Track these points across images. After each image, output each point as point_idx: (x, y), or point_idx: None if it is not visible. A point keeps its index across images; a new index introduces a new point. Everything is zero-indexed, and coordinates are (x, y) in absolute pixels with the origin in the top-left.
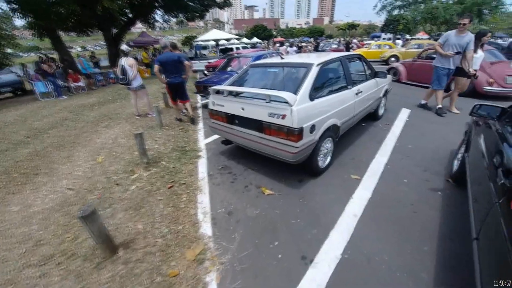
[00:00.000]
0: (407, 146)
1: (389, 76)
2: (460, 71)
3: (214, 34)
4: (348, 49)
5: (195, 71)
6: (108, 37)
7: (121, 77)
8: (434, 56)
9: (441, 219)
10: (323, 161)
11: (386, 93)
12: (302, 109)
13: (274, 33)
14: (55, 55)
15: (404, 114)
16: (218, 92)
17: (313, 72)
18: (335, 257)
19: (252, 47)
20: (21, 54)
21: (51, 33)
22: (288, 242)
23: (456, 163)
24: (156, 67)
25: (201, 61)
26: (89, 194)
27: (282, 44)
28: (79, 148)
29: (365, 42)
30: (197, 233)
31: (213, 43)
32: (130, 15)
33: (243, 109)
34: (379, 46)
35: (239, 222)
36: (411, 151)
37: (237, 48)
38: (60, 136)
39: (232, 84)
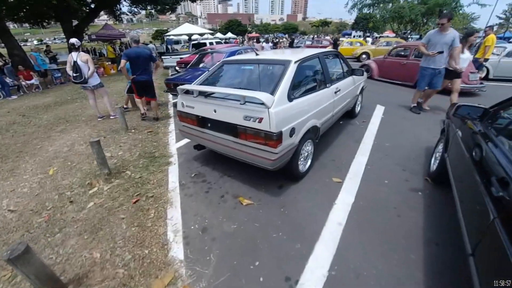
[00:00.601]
0: (384, 145)
1: (365, 74)
2: (452, 73)
3: (186, 28)
4: (336, 46)
5: (166, 67)
6: (67, 29)
7: (74, 75)
8: (403, 53)
9: (424, 223)
10: (303, 164)
11: (362, 90)
12: (280, 111)
13: (249, 28)
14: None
15: (379, 111)
16: (187, 92)
17: (291, 69)
18: (322, 276)
19: (225, 43)
20: None
21: None
22: (270, 261)
23: (433, 162)
24: (123, 62)
25: (172, 57)
26: (35, 216)
27: (258, 40)
28: (27, 158)
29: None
30: (167, 257)
31: (186, 37)
32: (93, 6)
33: (215, 111)
34: (351, 43)
35: (215, 240)
36: (389, 150)
37: (211, 43)
38: (4, 144)
39: (203, 83)
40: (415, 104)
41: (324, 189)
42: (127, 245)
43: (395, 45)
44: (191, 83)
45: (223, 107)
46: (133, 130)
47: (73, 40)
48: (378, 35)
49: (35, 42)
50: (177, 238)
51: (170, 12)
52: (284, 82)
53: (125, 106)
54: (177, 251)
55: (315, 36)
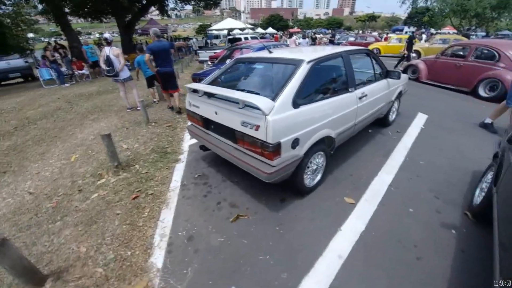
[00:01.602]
0: (418, 163)
1: (404, 76)
2: None
3: (228, 23)
4: (410, 44)
5: (201, 62)
6: (121, 24)
7: (107, 68)
8: (461, 53)
9: (452, 273)
10: (311, 178)
11: (400, 95)
12: (280, 119)
13: (290, 23)
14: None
15: (420, 120)
16: (195, 90)
17: (302, 71)
18: None
19: (261, 38)
20: (42, 39)
21: (60, 18)
22: None
23: (478, 194)
24: (147, 56)
25: (207, 51)
26: (46, 201)
27: (291, 35)
28: (58, 143)
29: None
30: (146, 262)
31: (225, 32)
32: (144, 2)
33: (216, 113)
34: (400, 40)
35: (197, 253)
36: (423, 169)
37: (246, 38)
38: (46, 128)
39: (213, 81)
40: (491, 121)
41: (332, 209)
42: (114, 243)
43: (451, 43)
44: None
45: (223, 109)
46: (153, 123)
47: (106, 35)
48: (434, 31)
49: (97, 35)
50: (161, 243)
51: (213, 7)
52: (290, 85)
53: (154, 100)
54: (158, 258)
55: (360, 31)
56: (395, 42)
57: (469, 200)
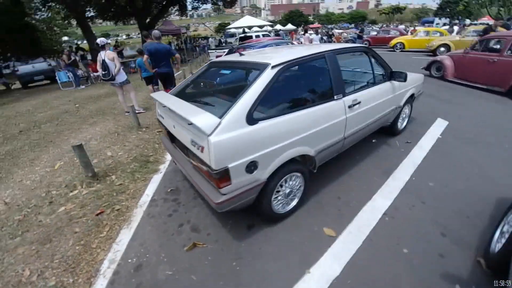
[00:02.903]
0: (427, 184)
1: (418, 76)
2: None
3: (246, 21)
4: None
5: None
6: (142, 25)
7: (103, 72)
8: (495, 46)
9: None
10: (285, 203)
11: (411, 99)
12: (228, 140)
13: (311, 18)
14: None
15: (437, 128)
16: None
17: (264, 78)
18: None
19: (276, 35)
20: (75, 41)
21: (81, 22)
22: None
23: (498, 238)
24: (145, 57)
25: (217, 51)
26: (16, 213)
27: (305, 31)
28: (51, 149)
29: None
30: None
31: (241, 30)
32: (164, 2)
33: (174, 127)
34: (428, 33)
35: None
36: (431, 194)
37: (257, 36)
38: (46, 132)
39: (182, 89)
40: None
41: (306, 243)
42: (60, 267)
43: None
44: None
45: (178, 124)
46: (144, 129)
47: (98, 40)
48: (469, 23)
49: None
50: (108, 271)
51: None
52: (245, 97)
53: None
54: None
55: (384, 25)
56: (422, 35)
57: (486, 243)
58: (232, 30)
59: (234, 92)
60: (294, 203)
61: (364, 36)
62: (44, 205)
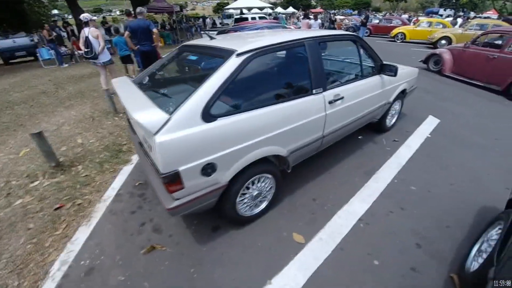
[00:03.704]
0: (409, 188)
1: (411, 70)
2: None
3: (245, 1)
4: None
5: None
6: (135, 1)
7: (85, 50)
8: (496, 42)
9: None
10: (252, 205)
11: (403, 95)
12: (178, 139)
13: (313, 2)
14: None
15: (428, 126)
16: None
17: (227, 68)
18: None
19: (275, 18)
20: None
21: None
22: None
23: (475, 255)
24: (126, 33)
25: (210, 32)
26: None
27: (306, 16)
28: (20, 133)
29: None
30: None
31: (239, 11)
32: None
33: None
34: (430, 24)
35: None
36: (412, 199)
37: (253, 18)
38: (19, 114)
39: (150, 75)
40: None
41: (271, 250)
42: (6, 268)
43: (486, 30)
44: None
45: None
46: (121, 115)
47: (81, 16)
48: (473, 15)
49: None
50: (57, 274)
51: None
52: (201, 90)
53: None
54: None
55: (388, 13)
56: (424, 26)
57: (462, 259)
58: (230, 11)
59: (194, 83)
60: (263, 205)
61: (367, 24)
62: (1, 197)
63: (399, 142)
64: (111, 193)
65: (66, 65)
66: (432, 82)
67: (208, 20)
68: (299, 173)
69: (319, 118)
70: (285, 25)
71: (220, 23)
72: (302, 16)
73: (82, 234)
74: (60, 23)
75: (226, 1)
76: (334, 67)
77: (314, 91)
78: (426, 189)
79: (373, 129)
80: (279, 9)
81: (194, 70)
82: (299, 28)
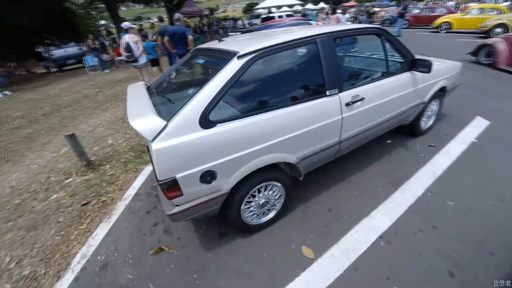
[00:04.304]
0: (444, 202)
1: (452, 65)
2: None
3: (273, 0)
4: None
5: None
6: (169, 7)
7: (126, 54)
8: None
9: None
10: (260, 214)
11: (442, 93)
12: (174, 146)
13: None
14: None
15: (474, 130)
16: None
17: (226, 72)
18: None
19: (303, 16)
20: (111, 25)
21: (110, 6)
22: None
23: None
24: (166, 38)
25: (236, 33)
26: (16, 197)
27: (334, 11)
28: (62, 134)
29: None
30: (51, 287)
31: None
32: None
33: None
34: (482, 11)
35: None
36: (447, 217)
37: (280, 17)
38: (64, 116)
39: (163, 80)
40: None
41: (277, 263)
42: (37, 256)
43: None
44: None
45: None
46: None
47: (123, 24)
48: None
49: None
50: (77, 266)
51: None
52: (200, 95)
53: None
54: (62, 285)
55: (430, 2)
56: (474, 13)
57: None
58: (260, 11)
59: (196, 88)
60: (271, 215)
61: (406, 15)
62: (41, 191)
63: (436, 147)
64: (131, 192)
65: (107, 70)
66: (482, 77)
67: (240, 21)
68: (314, 180)
69: (334, 122)
70: (313, 22)
71: (248, 24)
72: (331, 12)
73: (102, 230)
74: (103, 33)
75: (255, 1)
76: (354, 65)
77: (327, 93)
78: (467, 205)
79: (405, 133)
80: (309, 6)
81: (200, 74)
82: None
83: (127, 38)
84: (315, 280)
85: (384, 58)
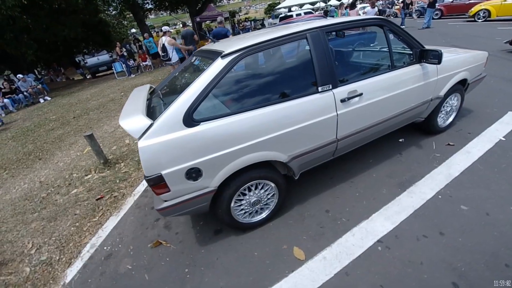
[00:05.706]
0: (457, 207)
1: (475, 55)
2: None
3: None
4: None
5: None
6: (192, 12)
7: (162, 54)
8: None
9: None
10: (253, 212)
11: (463, 87)
12: (159, 144)
13: None
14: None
15: (503, 127)
16: None
17: (210, 72)
18: None
19: (325, 13)
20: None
21: (136, 15)
22: None
23: None
24: (209, 40)
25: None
26: (43, 191)
27: (353, 5)
28: None
29: None
30: (62, 273)
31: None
32: None
33: None
34: None
35: (101, 276)
36: (460, 223)
37: (298, 15)
38: (91, 119)
39: (167, 81)
40: None
41: (267, 262)
42: (54, 244)
43: None
44: None
45: None
46: None
47: (164, 28)
48: None
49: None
50: (86, 255)
51: None
52: (184, 95)
53: None
54: (73, 270)
55: None
56: None
57: None
58: (281, 10)
59: (184, 88)
60: (264, 214)
61: (437, 4)
62: (64, 186)
63: (454, 146)
64: (140, 188)
65: (133, 75)
66: None
67: (265, 21)
68: (315, 180)
69: (328, 120)
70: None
71: (268, 23)
72: (350, 7)
73: (111, 223)
74: (131, 40)
75: (277, 1)
76: (355, 59)
77: (320, 89)
78: (484, 210)
79: (421, 130)
80: (332, 2)
81: (194, 74)
82: None
83: (164, 40)
84: (302, 282)
85: (387, 50)
